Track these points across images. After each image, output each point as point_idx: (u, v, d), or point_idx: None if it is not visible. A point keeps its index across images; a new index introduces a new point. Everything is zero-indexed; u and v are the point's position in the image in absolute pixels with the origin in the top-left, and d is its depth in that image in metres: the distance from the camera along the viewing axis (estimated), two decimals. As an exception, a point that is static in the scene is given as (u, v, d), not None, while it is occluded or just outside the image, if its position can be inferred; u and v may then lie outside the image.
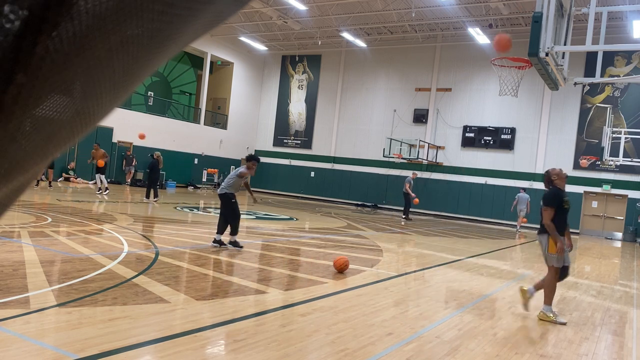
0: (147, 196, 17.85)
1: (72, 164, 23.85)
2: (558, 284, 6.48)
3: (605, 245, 19.75)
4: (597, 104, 24.46)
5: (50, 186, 16.08)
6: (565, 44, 7.74)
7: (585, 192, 24.45)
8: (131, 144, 26.39)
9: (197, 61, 31.35)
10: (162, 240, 9.09)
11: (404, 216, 22.16)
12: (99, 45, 0.34)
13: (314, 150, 31.75)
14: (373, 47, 29.71)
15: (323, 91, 31.83)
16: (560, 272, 6.31)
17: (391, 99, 29.43)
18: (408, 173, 28.60)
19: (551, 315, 6.13)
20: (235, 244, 9.10)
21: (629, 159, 21.85)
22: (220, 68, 32.41)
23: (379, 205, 28.86)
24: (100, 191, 18.07)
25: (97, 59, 0.35)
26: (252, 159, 9.05)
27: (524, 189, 21.56)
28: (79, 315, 4.42)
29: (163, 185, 27.01)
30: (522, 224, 21.49)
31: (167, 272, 6.58)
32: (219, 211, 9.51)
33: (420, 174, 28.28)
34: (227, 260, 8.05)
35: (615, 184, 23.95)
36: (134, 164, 26.18)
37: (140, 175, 26.67)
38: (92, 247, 7.68)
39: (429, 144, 27.55)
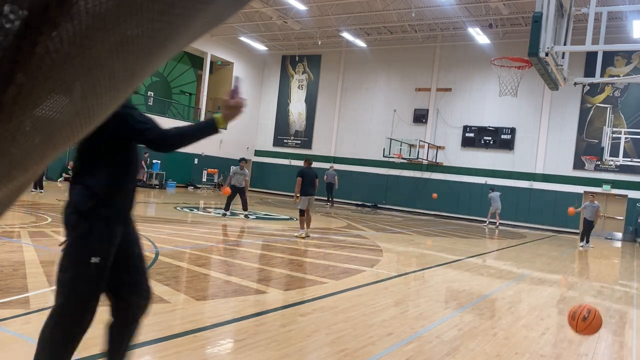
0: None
1: (72, 164, 23.83)
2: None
3: (605, 245, 19.75)
4: (597, 104, 24.46)
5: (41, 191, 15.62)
6: (565, 44, 7.74)
7: (585, 192, 24.44)
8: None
9: (197, 61, 31.35)
10: (162, 240, 9.09)
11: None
12: (99, 45, 0.34)
13: (314, 150, 31.74)
14: (373, 47, 29.71)
15: (323, 91, 31.83)
16: None
17: (391, 99, 29.44)
18: (408, 173, 28.66)
19: None
20: None
21: (629, 159, 21.85)
22: (220, 68, 32.41)
23: (379, 205, 28.86)
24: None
25: (97, 59, 0.35)
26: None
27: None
28: (79, 315, 4.42)
29: (163, 185, 27.03)
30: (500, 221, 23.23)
31: (167, 272, 6.58)
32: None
33: (420, 174, 28.28)
34: (227, 260, 8.05)
35: (615, 184, 23.95)
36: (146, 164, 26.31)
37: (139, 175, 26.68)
38: (92, 247, 7.67)
39: (429, 144, 27.55)
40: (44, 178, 15.57)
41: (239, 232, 12.22)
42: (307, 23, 27.80)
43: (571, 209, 17.97)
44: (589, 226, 17.22)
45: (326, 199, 26.51)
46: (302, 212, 11.61)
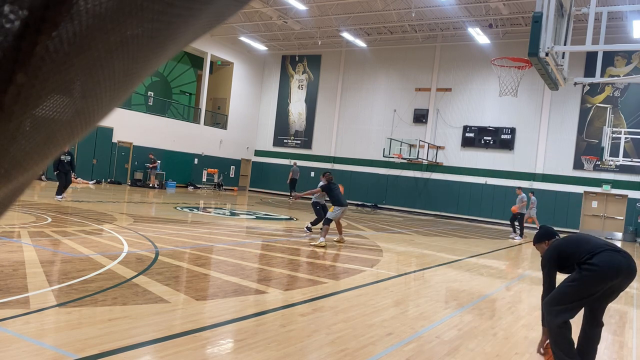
0: None
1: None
2: None
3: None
4: (597, 104, 24.46)
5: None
6: (565, 44, 7.74)
7: (585, 192, 24.45)
8: (131, 144, 26.40)
9: (197, 61, 31.36)
10: (162, 240, 9.09)
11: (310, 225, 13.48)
12: (99, 45, 0.34)
13: (314, 150, 31.76)
14: (373, 47, 29.72)
15: (323, 91, 31.83)
16: None
17: (391, 99, 29.44)
18: (408, 173, 28.63)
19: None
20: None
21: (629, 159, 21.85)
22: (220, 68, 32.42)
23: (379, 205, 28.87)
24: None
25: (97, 59, 0.35)
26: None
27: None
28: (79, 315, 4.42)
29: (163, 185, 27.05)
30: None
31: (167, 272, 6.58)
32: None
33: (420, 174, 28.28)
34: (227, 260, 8.05)
35: (615, 184, 23.95)
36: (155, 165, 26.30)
37: (139, 175, 26.69)
38: (92, 247, 7.68)
39: (429, 144, 27.56)
40: (65, 183, 15.35)
41: (238, 232, 12.22)
42: (307, 23, 27.81)
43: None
44: (512, 218, 17.84)
45: (289, 194, 28.57)
46: (329, 222, 11.05)
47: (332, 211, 11.31)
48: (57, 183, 15.14)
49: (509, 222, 22.60)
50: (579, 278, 4.02)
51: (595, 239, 4.24)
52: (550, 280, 4.27)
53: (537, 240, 4.62)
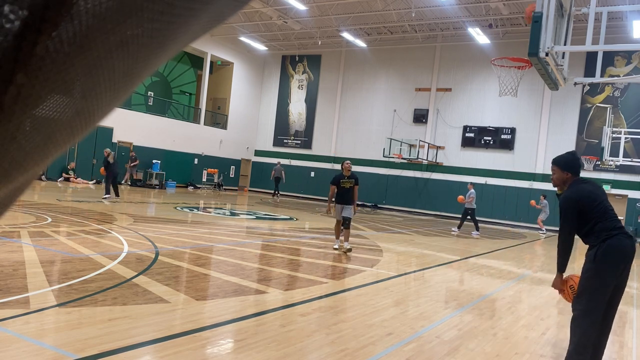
0: None
1: (72, 164, 23.86)
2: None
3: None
4: (597, 104, 24.46)
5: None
6: (565, 44, 7.74)
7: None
8: (131, 144, 26.39)
9: (197, 61, 31.36)
10: (162, 240, 9.09)
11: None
12: (99, 45, 0.34)
13: (314, 150, 31.75)
14: (373, 47, 29.72)
15: (323, 91, 31.83)
16: None
17: (391, 99, 29.44)
18: (408, 173, 28.63)
19: None
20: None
21: (629, 159, 21.85)
22: (220, 68, 32.42)
23: (379, 205, 28.86)
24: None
25: (97, 59, 0.35)
26: None
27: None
28: (79, 315, 4.42)
29: (163, 185, 27.03)
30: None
31: (167, 272, 6.58)
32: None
33: (420, 174, 28.28)
34: (227, 260, 8.05)
35: (615, 184, 23.95)
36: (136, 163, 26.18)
37: (139, 175, 26.68)
38: (92, 247, 7.68)
39: (429, 144, 27.55)
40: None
41: (238, 232, 12.22)
42: (307, 23, 27.81)
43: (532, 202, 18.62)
44: (464, 213, 17.43)
45: (273, 192, 29.14)
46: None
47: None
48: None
49: (459, 217, 22.61)
50: (593, 267, 4.02)
51: (613, 217, 4.16)
52: (570, 228, 4.16)
53: (562, 165, 4.36)
